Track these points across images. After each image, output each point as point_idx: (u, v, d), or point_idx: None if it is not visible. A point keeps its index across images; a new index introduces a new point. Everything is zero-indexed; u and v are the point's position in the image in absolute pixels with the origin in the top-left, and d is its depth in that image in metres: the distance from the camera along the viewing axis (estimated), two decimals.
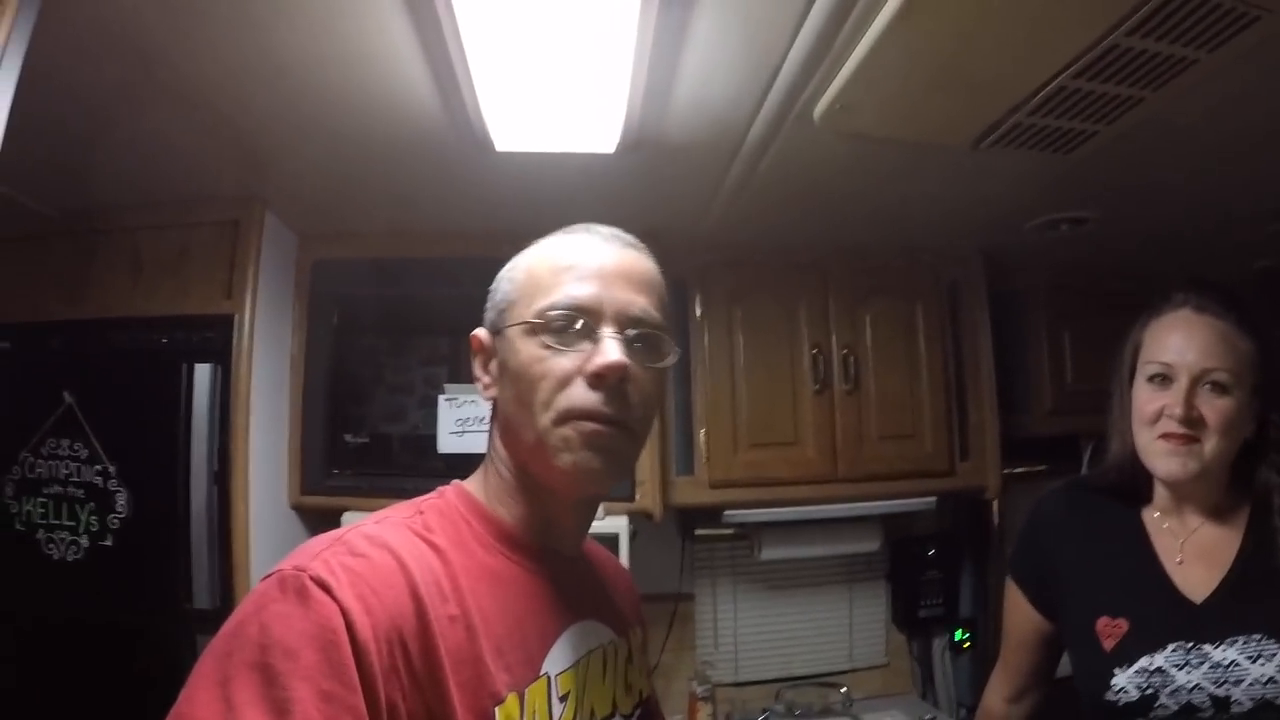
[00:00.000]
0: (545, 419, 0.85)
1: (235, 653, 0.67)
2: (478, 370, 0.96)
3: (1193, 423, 1.32)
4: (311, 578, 0.70)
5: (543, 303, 0.88)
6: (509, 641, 0.83)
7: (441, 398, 2.31)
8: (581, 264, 0.90)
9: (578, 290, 0.88)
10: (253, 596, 0.72)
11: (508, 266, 0.97)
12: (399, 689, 0.71)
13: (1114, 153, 1.82)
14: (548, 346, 0.86)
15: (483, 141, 1.79)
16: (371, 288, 2.44)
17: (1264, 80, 1.55)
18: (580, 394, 0.85)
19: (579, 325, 0.87)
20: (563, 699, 0.87)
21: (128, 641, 2.04)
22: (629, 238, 0.96)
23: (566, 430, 0.85)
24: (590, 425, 0.85)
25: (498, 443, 0.95)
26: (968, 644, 2.97)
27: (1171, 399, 1.34)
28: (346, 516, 2.17)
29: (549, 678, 0.86)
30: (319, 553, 0.74)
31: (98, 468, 2.05)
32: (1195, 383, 1.33)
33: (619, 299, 0.89)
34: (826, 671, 2.93)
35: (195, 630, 1.98)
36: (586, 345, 0.86)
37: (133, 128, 1.75)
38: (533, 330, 0.87)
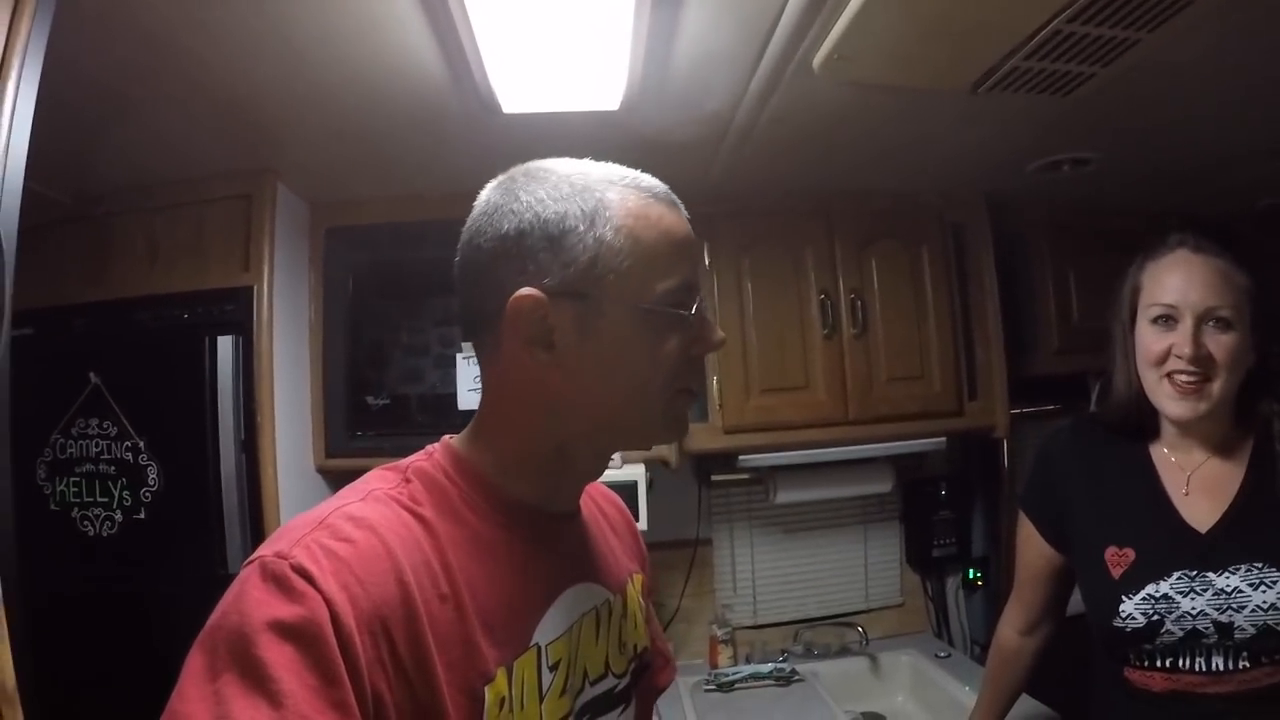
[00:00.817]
0: (669, 391, 0.86)
1: (220, 647, 0.66)
2: (525, 334, 0.82)
3: (1201, 360, 1.36)
4: (293, 566, 0.68)
5: (667, 284, 0.83)
6: (498, 615, 0.81)
7: (459, 356, 2.35)
8: (687, 242, 0.87)
9: (693, 275, 0.87)
10: (234, 586, 0.70)
11: (582, 220, 0.82)
12: (384, 679, 0.70)
13: (1113, 93, 1.83)
14: (675, 323, 0.84)
15: (490, 104, 1.82)
16: (384, 252, 2.48)
17: (1263, 19, 1.56)
18: (695, 371, 0.90)
19: (695, 308, 0.87)
20: (553, 668, 0.86)
21: (164, 610, 1.99)
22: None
23: (680, 401, 0.89)
24: (692, 399, 0.92)
25: (532, 423, 0.87)
26: (981, 582, 3.03)
27: (1179, 339, 1.38)
28: None
29: (539, 648, 0.85)
30: (300, 538, 0.71)
31: (128, 443, 2.11)
32: (1200, 321, 1.38)
33: (701, 273, 0.92)
34: (843, 612, 2.99)
35: None
36: (698, 319, 0.87)
37: (142, 110, 1.77)
38: (663, 313, 0.83)
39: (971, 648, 3.01)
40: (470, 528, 0.83)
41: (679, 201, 0.89)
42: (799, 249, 2.62)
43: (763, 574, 2.98)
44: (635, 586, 1.08)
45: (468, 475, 0.86)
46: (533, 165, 0.89)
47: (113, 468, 2.11)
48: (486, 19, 1.46)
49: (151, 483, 2.09)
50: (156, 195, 2.20)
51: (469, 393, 2.32)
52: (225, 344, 2.11)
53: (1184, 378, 1.38)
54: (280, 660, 0.64)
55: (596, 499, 1.10)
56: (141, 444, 2.10)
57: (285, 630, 0.65)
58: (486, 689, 0.77)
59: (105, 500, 2.11)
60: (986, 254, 2.79)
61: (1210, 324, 1.38)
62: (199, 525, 2.07)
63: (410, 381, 2.46)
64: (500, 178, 0.90)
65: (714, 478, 2.86)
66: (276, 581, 0.67)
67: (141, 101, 1.74)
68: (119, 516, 2.10)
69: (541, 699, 0.84)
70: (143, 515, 2.09)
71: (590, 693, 0.92)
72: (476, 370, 2.27)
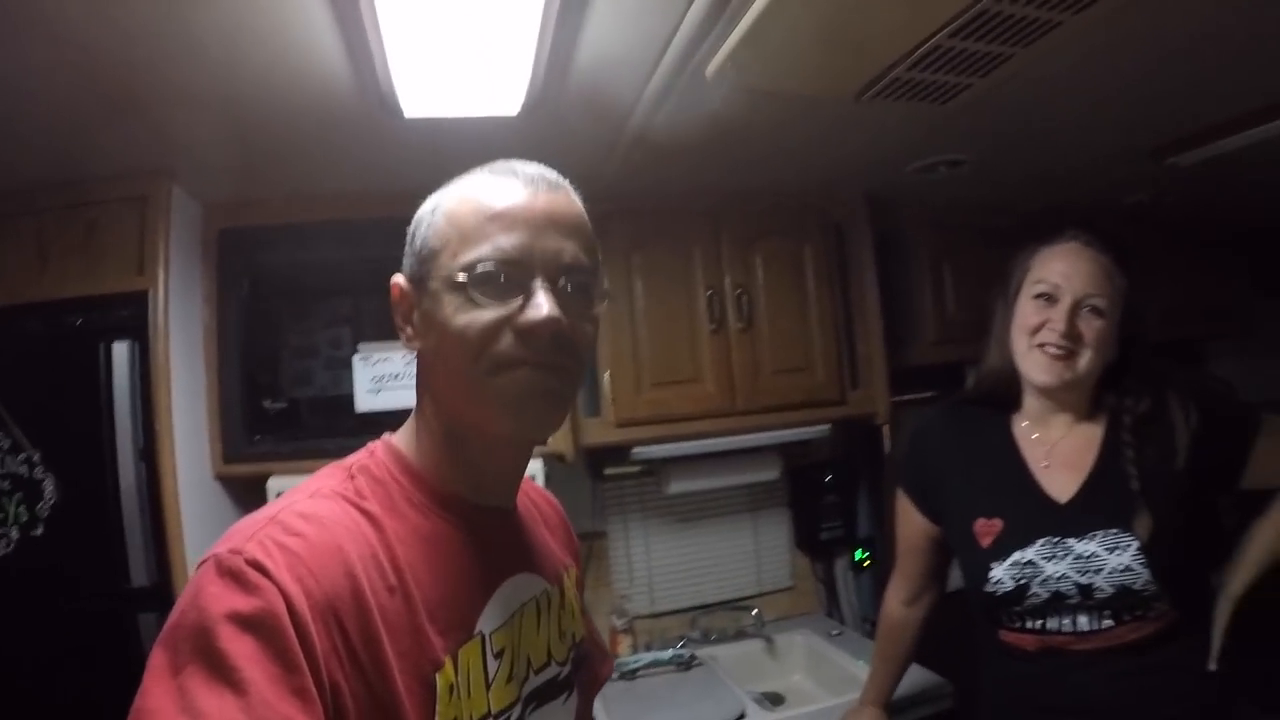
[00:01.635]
0: (477, 371, 0.83)
1: (181, 643, 0.67)
2: (399, 321, 0.91)
3: (1072, 338, 1.50)
4: (247, 560, 0.70)
5: (469, 255, 0.84)
6: (444, 605, 0.83)
7: (356, 357, 2.33)
8: (508, 211, 0.85)
9: (506, 241, 0.83)
10: (191, 584, 0.71)
11: (427, 208, 0.91)
12: (340, 668, 0.72)
13: (988, 102, 1.94)
14: (474, 301, 0.83)
15: (392, 109, 1.83)
16: (279, 253, 2.42)
17: (1126, 37, 1.70)
18: (510, 346, 0.83)
19: (508, 277, 0.83)
20: (498, 655, 0.88)
21: (68, 628, 1.99)
22: (553, 176, 0.90)
23: (500, 380, 0.83)
24: (523, 372, 0.84)
25: (426, 396, 0.92)
26: (868, 562, 3.15)
27: (1055, 315, 1.52)
28: (272, 483, 2.22)
29: (484, 636, 0.86)
30: (253, 534, 0.73)
31: (22, 457, 2.03)
32: (1077, 304, 1.51)
33: (549, 248, 0.85)
34: (737, 597, 3.07)
35: (136, 609, 1.99)
36: (517, 298, 0.83)
37: (36, 109, 1.72)
38: (460, 284, 0.83)
39: (862, 625, 3.12)
40: (412, 521, 0.85)
41: (521, 170, 0.89)
42: (688, 247, 2.69)
43: (658, 563, 3.06)
44: (570, 579, 1.10)
45: (406, 470, 0.89)
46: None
47: (7, 483, 2.03)
48: (395, 24, 1.48)
49: (49, 496, 2.02)
50: (47, 196, 2.11)
51: (366, 393, 2.31)
52: (121, 350, 2.06)
53: (1053, 349, 1.51)
54: (241, 651, 0.66)
55: (531, 495, 1.12)
56: (36, 457, 2.02)
57: (244, 621, 0.67)
58: (438, 676, 0.79)
59: (0, 517, 2.02)
60: (867, 250, 2.92)
61: (1086, 309, 1.52)
62: (99, 538, 2.01)
63: (306, 384, 2.42)
64: None
65: (607, 471, 2.91)
66: (232, 576, 0.69)
67: (36, 101, 1.68)
68: (15, 535, 2.01)
69: (488, 686, 0.86)
70: (40, 531, 2.01)
71: (535, 681, 0.95)
72: (373, 371, 2.28)
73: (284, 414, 2.40)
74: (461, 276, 0.83)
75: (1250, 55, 1.87)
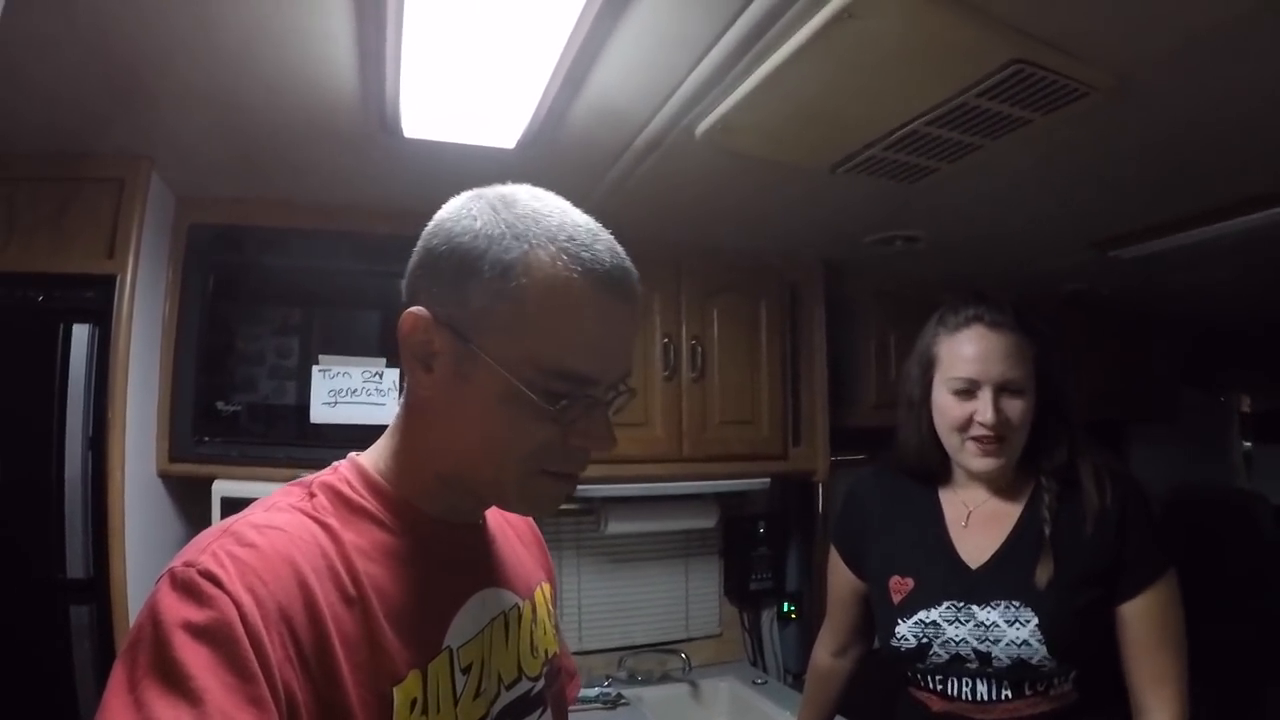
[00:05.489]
0: (516, 471, 0.82)
1: (139, 657, 0.67)
2: (410, 359, 0.83)
3: (1000, 426, 1.52)
4: (200, 572, 0.70)
5: (570, 363, 0.79)
6: (408, 618, 0.82)
7: (315, 368, 2.32)
8: (616, 333, 0.83)
9: (606, 367, 0.82)
10: (148, 600, 0.71)
11: (496, 263, 0.79)
12: (294, 676, 0.71)
13: (950, 184, 2.05)
14: (543, 411, 0.79)
15: (392, 126, 1.85)
16: (244, 254, 2.39)
17: (1088, 136, 1.81)
18: (562, 458, 0.82)
19: (583, 398, 0.81)
20: (465, 670, 0.87)
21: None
22: (634, 272, 0.85)
23: (534, 483, 0.83)
24: (561, 486, 0.84)
25: (419, 436, 0.88)
26: (795, 615, 3.21)
27: (980, 406, 1.53)
28: (217, 485, 2.19)
29: (451, 651, 0.86)
30: (206, 546, 0.73)
31: None
32: (998, 392, 1.53)
33: (623, 368, 0.84)
34: (664, 641, 3.10)
35: (70, 600, 1.94)
36: (577, 411, 0.81)
37: (35, 78, 1.67)
38: (523, 394, 0.78)
39: (785, 676, 3.18)
40: (374, 536, 0.84)
41: (629, 284, 0.83)
42: (648, 294, 2.71)
43: (588, 601, 3.07)
44: (543, 594, 1.09)
45: (370, 486, 0.87)
46: (508, 190, 0.85)
47: None
48: (417, 45, 1.49)
49: None
50: (21, 165, 2.03)
51: (322, 405, 2.30)
52: (81, 333, 2.00)
53: (986, 442, 1.54)
54: (196, 660, 0.66)
55: (503, 513, 1.09)
56: None
57: (198, 631, 0.67)
58: (395, 690, 0.78)
59: None
60: (818, 313, 3.03)
61: (1005, 394, 1.54)
62: (37, 525, 1.95)
63: (250, 390, 2.37)
64: (477, 190, 0.86)
65: None
66: (185, 588, 0.69)
67: (32, 67, 1.63)
68: None
69: (456, 702, 0.85)
70: None
71: (506, 697, 0.94)
72: (330, 384, 2.28)
73: (235, 417, 2.35)
74: (544, 383, 0.79)
75: (1196, 163, 2.01)
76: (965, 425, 1.56)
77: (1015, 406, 1.54)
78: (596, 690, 2.75)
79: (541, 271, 0.78)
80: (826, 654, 1.90)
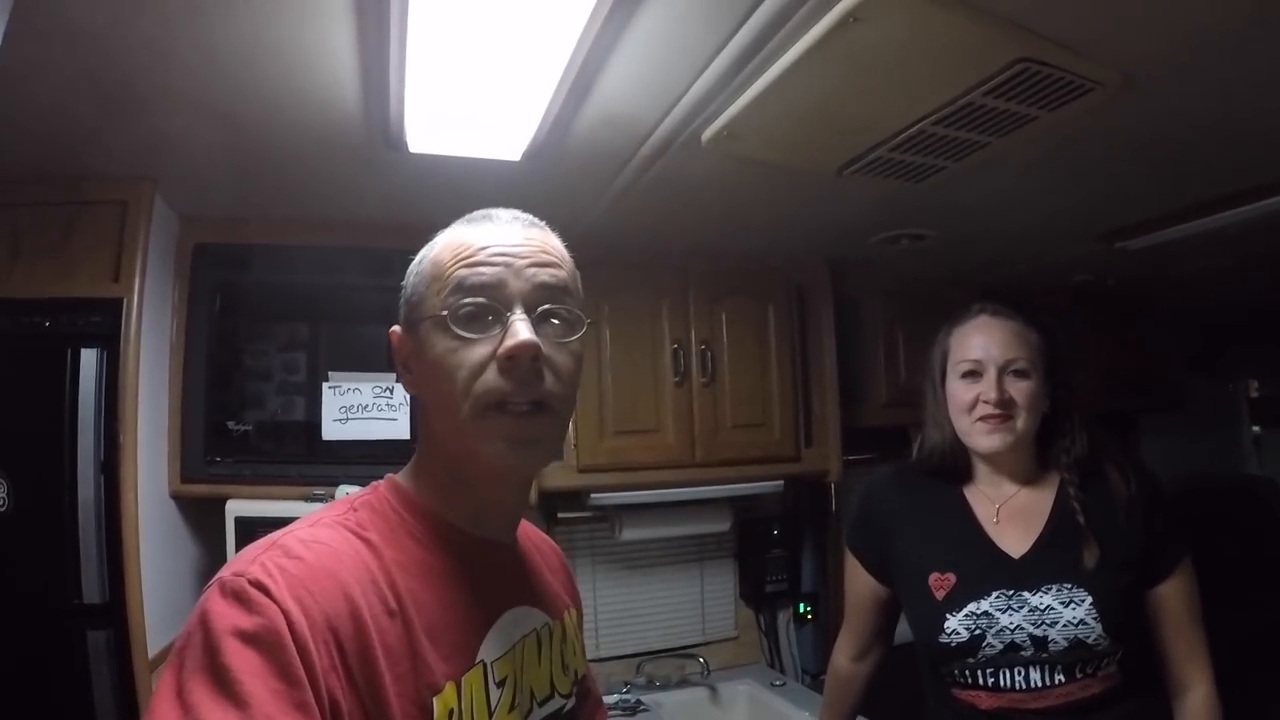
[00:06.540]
0: (465, 411, 0.85)
1: (187, 662, 0.69)
2: (400, 368, 0.95)
3: (1005, 403, 1.57)
4: (250, 581, 0.72)
5: (449, 293, 0.87)
6: (445, 632, 0.84)
7: (326, 385, 2.33)
8: (485, 248, 0.89)
9: (482, 276, 0.87)
10: (196, 608, 0.73)
11: (415, 260, 0.95)
12: (338, 686, 0.73)
13: (957, 182, 2.05)
14: (459, 337, 0.86)
15: (396, 142, 1.85)
16: (249, 272, 2.39)
17: (1093, 131, 1.81)
18: (494, 380, 0.85)
19: (487, 311, 0.86)
20: (499, 684, 0.89)
21: (13, 641, 1.91)
22: (529, 217, 0.95)
23: (486, 423, 0.85)
24: (508, 420, 0.85)
25: (425, 436, 0.95)
26: (810, 616, 3.21)
27: (984, 386, 1.59)
28: (231, 505, 2.19)
29: (485, 665, 0.87)
30: (255, 557, 0.76)
31: None
32: (1001, 371, 1.59)
33: (524, 279, 0.88)
34: (681, 645, 3.10)
35: (86, 625, 1.93)
36: (497, 330, 0.86)
37: (36, 99, 1.66)
38: (442, 322, 0.86)
39: (802, 677, 3.18)
40: (412, 552, 0.87)
41: (512, 216, 0.94)
42: (656, 299, 2.76)
43: (604, 608, 3.06)
44: (571, 618, 1.11)
45: (406, 504, 0.91)
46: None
47: None
48: (421, 60, 1.50)
49: (0, 503, 1.92)
50: (24, 190, 2.02)
51: (333, 422, 2.30)
52: (89, 357, 2.00)
53: (991, 418, 1.59)
54: (244, 666, 0.68)
55: (533, 537, 1.13)
56: None
57: (247, 638, 0.69)
58: (435, 700, 0.80)
59: None
60: (827, 314, 3.03)
61: (1010, 374, 1.59)
62: (52, 550, 1.94)
63: (258, 408, 2.37)
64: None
65: (559, 515, 2.92)
66: (235, 596, 0.72)
67: (36, 93, 1.63)
68: None
69: (491, 714, 0.87)
70: None
71: (539, 713, 0.96)
72: (341, 401, 2.28)
73: (247, 436, 2.35)
74: (444, 313, 0.86)
75: (1202, 155, 2.01)
76: (973, 405, 1.61)
77: (1020, 387, 1.59)
78: (615, 697, 2.74)
79: (433, 246, 0.94)
80: (846, 658, 1.90)
